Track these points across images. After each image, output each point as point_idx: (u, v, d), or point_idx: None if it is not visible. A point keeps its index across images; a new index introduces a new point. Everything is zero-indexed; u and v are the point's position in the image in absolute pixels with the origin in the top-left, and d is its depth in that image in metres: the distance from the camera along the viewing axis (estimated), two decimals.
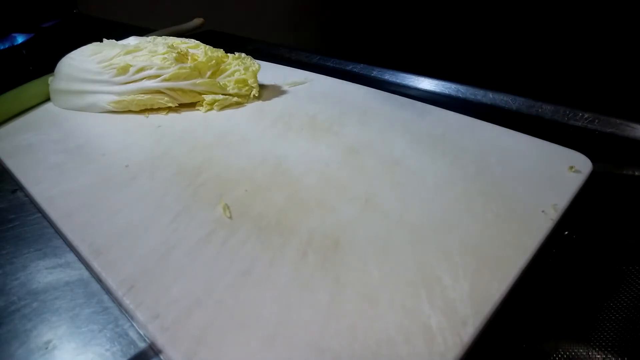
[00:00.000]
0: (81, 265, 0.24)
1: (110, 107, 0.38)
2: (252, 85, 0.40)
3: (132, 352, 0.19)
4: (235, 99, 0.39)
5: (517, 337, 0.21)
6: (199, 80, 0.38)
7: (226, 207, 0.26)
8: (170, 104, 0.38)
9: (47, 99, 0.43)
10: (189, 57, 0.39)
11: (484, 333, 0.18)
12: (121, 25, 0.81)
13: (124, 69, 0.37)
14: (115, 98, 0.38)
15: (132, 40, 0.42)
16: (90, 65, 0.38)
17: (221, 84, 0.39)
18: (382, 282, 0.21)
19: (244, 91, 0.40)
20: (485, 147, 0.31)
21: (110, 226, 0.25)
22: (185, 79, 0.38)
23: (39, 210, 0.27)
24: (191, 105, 0.39)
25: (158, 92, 0.38)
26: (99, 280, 0.22)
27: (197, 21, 0.72)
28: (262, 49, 0.60)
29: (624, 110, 0.37)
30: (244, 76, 0.39)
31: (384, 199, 0.26)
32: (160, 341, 0.18)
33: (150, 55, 0.38)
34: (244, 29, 0.81)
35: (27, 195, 0.29)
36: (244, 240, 0.23)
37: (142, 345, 0.19)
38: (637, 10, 0.38)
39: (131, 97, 0.37)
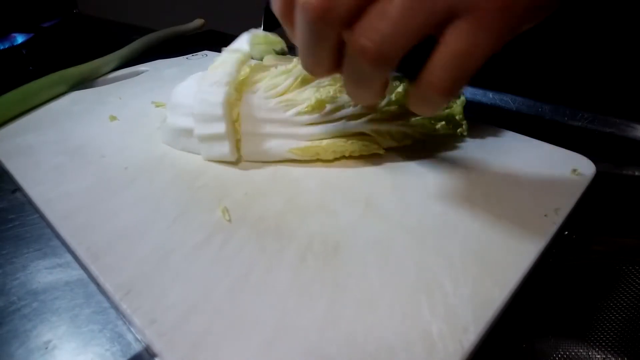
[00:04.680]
0: None
1: (290, 156, 0.30)
2: (461, 121, 0.31)
3: (132, 352, 0.19)
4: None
5: (517, 337, 0.21)
6: (412, 120, 0.30)
7: (225, 211, 0.26)
8: (378, 152, 0.30)
9: (48, 100, 0.43)
10: None
11: (484, 337, 0.18)
12: (121, 25, 0.81)
13: (318, 106, 0.29)
14: (301, 144, 0.30)
15: (272, 60, 0.34)
16: (261, 100, 0.30)
17: (432, 122, 0.31)
18: (381, 288, 0.20)
19: (450, 129, 0.32)
20: (487, 150, 0.31)
21: (108, 229, 0.24)
22: (395, 118, 0.30)
23: (38, 211, 0.27)
24: None
25: (361, 134, 0.30)
26: (96, 283, 0.22)
27: (198, 22, 0.72)
28: None
29: (624, 110, 0.37)
30: (448, 110, 0.31)
31: (384, 203, 0.26)
32: (157, 346, 0.18)
33: (337, 86, 0.30)
34: (244, 29, 0.81)
35: (26, 196, 0.29)
36: (242, 244, 0.23)
37: (140, 346, 0.19)
38: (636, 10, 0.38)
39: (326, 142, 0.30)
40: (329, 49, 0.23)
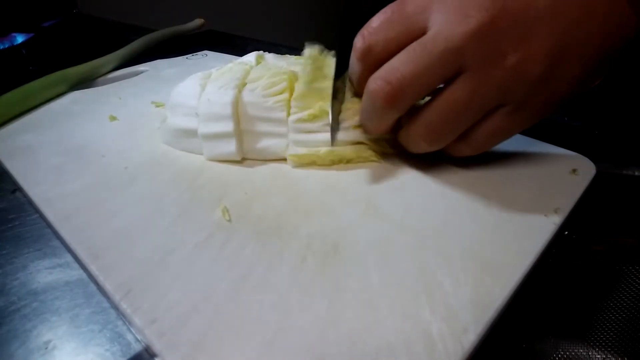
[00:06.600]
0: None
1: (288, 158, 0.30)
2: None
3: (132, 352, 0.19)
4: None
5: (517, 337, 0.21)
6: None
7: (225, 210, 0.25)
8: (374, 159, 0.30)
9: (48, 100, 0.43)
10: None
11: (485, 337, 0.18)
12: (121, 25, 0.81)
13: (320, 115, 0.29)
14: (299, 150, 0.30)
15: (272, 59, 0.35)
16: (258, 98, 0.30)
17: None
18: (382, 288, 0.20)
19: None
20: (487, 150, 0.31)
21: (108, 229, 0.24)
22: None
23: (38, 211, 0.27)
24: None
25: (360, 143, 0.30)
26: (96, 283, 0.22)
27: (198, 21, 0.72)
28: (262, 48, 0.60)
29: (624, 110, 0.37)
30: None
31: (385, 203, 0.26)
32: (158, 347, 0.18)
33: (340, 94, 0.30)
34: (244, 29, 0.81)
35: (26, 196, 0.28)
36: (243, 244, 0.23)
37: (140, 346, 0.19)
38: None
39: (323, 150, 0.29)
40: (387, 124, 0.27)
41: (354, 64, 0.27)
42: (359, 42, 0.26)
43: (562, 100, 0.25)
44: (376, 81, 0.25)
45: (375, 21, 0.26)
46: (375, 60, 0.26)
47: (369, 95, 0.25)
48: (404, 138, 0.28)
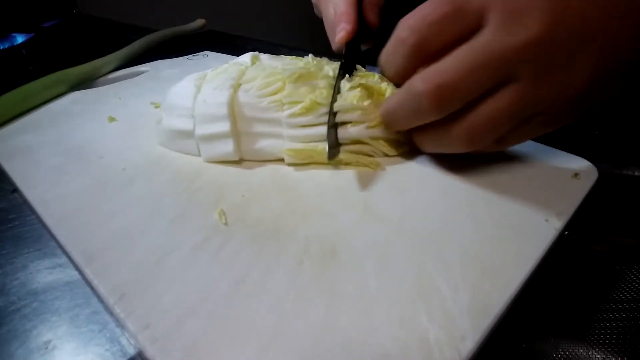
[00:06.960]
0: None
1: (284, 157, 0.30)
2: None
3: (132, 352, 0.19)
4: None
5: (517, 337, 0.21)
6: None
7: (222, 213, 0.25)
8: (371, 166, 0.29)
9: (48, 100, 0.43)
10: (375, 92, 0.30)
11: (483, 345, 0.18)
12: (121, 25, 0.81)
13: (312, 108, 0.29)
14: (295, 146, 0.29)
15: (267, 60, 0.35)
16: (253, 99, 0.30)
17: None
18: (379, 293, 0.20)
19: None
20: (487, 153, 0.31)
21: (104, 231, 0.24)
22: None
23: (35, 213, 0.27)
24: None
25: (358, 142, 0.30)
26: (91, 286, 0.22)
27: (199, 22, 0.73)
28: (262, 49, 0.60)
29: (624, 110, 0.37)
30: None
31: (383, 206, 0.26)
32: (151, 352, 0.17)
33: (330, 89, 0.30)
34: (244, 29, 0.81)
35: (23, 197, 0.28)
36: (239, 247, 0.23)
37: (134, 350, 0.19)
38: None
39: (321, 146, 0.29)
40: (421, 124, 0.27)
41: (398, 56, 0.26)
42: (410, 35, 0.24)
43: (586, 107, 0.25)
44: (425, 82, 0.24)
45: (431, 14, 0.24)
46: (427, 58, 0.24)
47: (415, 95, 0.25)
48: (437, 138, 0.27)
